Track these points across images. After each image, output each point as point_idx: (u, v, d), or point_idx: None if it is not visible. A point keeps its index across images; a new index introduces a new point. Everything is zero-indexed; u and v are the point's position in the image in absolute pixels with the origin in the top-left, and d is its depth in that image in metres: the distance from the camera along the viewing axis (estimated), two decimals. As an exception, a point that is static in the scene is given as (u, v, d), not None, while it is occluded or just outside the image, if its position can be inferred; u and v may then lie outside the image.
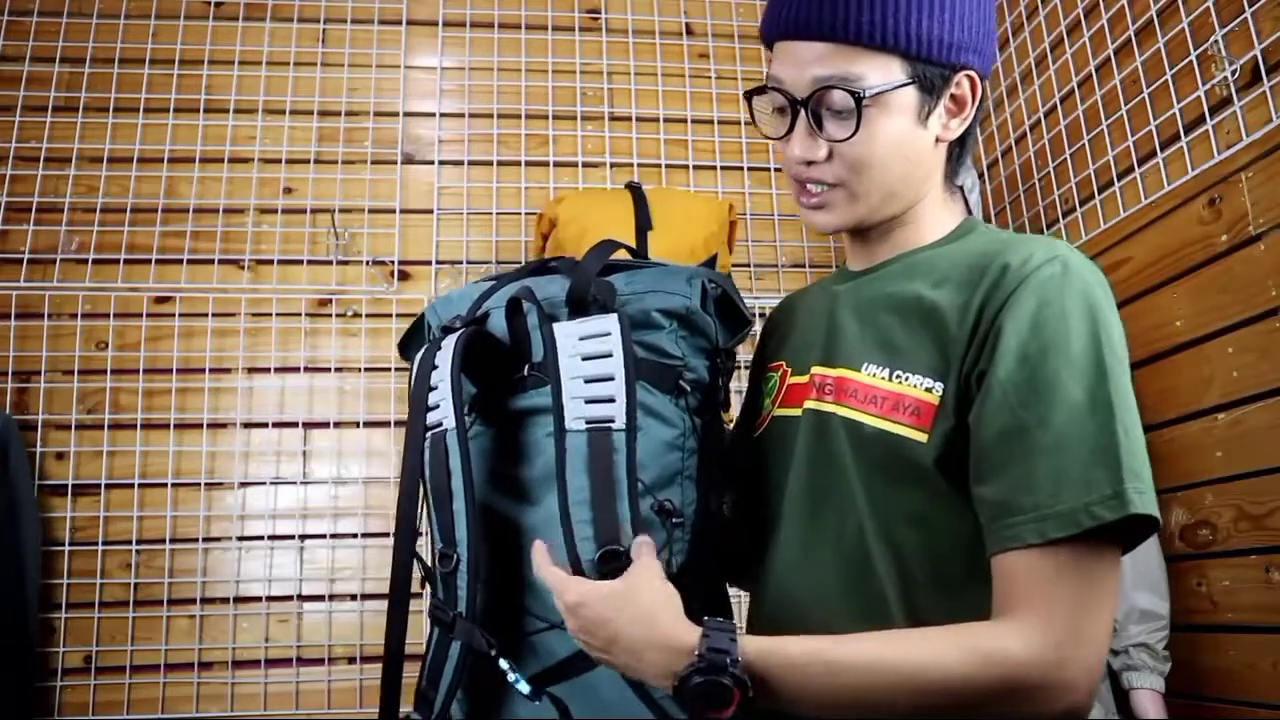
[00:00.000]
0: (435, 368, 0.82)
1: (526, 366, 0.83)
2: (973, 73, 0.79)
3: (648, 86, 2.15)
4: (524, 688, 0.76)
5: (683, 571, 0.78)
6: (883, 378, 0.75)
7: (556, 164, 2.08)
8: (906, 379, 0.74)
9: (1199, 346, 1.47)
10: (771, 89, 0.79)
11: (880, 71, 0.75)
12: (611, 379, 0.77)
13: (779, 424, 0.86)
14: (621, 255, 0.94)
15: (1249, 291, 1.36)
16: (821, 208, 0.80)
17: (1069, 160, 1.81)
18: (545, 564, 0.75)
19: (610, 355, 0.77)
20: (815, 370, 0.82)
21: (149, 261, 1.91)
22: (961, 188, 1.65)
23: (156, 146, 1.97)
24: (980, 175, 2.11)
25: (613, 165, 2.10)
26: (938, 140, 0.80)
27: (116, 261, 1.90)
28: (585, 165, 2.09)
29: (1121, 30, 1.66)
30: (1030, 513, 0.65)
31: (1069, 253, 0.72)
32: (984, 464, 0.69)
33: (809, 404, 0.82)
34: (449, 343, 0.82)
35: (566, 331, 0.80)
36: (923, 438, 0.72)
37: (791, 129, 0.78)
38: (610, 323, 0.79)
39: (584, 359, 0.78)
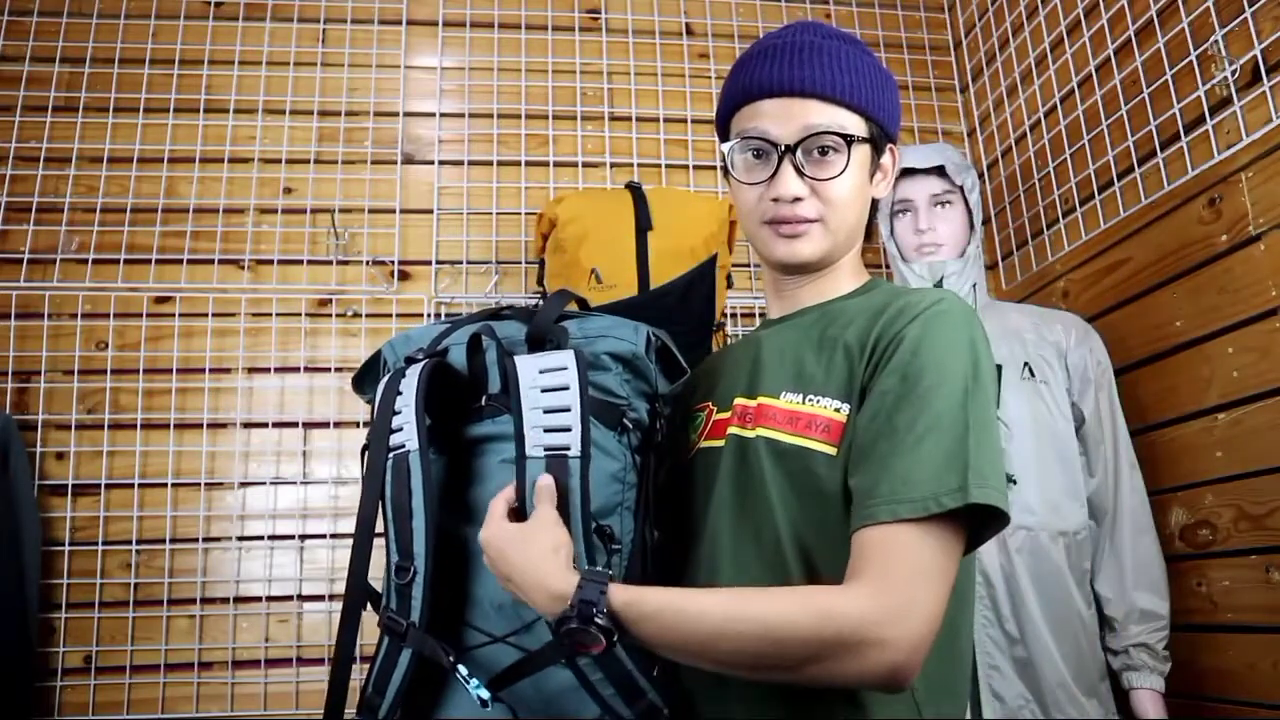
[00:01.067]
0: (400, 394, 0.87)
1: (484, 397, 0.90)
2: (895, 148, 0.97)
3: (648, 86, 2.15)
4: (484, 693, 0.80)
5: None
6: (798, 402, 0.87)
7: (556, 164, 2.08)
8: (818, 401, 0.86)
9: (1199, 346, 1.47)
10: (754, 138, 0.91)
11: (855, 126, 0.91)
12: (568, 410, 0.83)
13: (704, 454, 0.96)
14: (572, 306, 1.03)
15: (1249, 291, 1.37)
16: (799, 237, 0.92)
17: (1069, 160, 1.81)
18: (498, 494, 0.84)
19: (567, 388, 0.84)
20: (738, 401, 0.93)
21: (149, 261, 1.91)
22: (961, 187, 1.65)
23: (156, 146, 1.97)
24: (980, 175, 2.11)
25: (613, 165, 2.10)
26: (873, 198, 0.97)
27: (116, 261, 1.90)
28: (585, 165, 2.09)
29: (1121, 30, 1.66)
30: (886, 497, 0.75)
31: (955, 299, 0.86)
32: (858, 456, 0.80)
33: (732, 431, 0.92)
34: (414, 371, 0.87)
35: (527, 364, 0.86)
36: (833, 451, 0.83)
37: (777, 172, 0.90)
38: (567, 357, 0.85)
39: (543, 390, 0.84)
